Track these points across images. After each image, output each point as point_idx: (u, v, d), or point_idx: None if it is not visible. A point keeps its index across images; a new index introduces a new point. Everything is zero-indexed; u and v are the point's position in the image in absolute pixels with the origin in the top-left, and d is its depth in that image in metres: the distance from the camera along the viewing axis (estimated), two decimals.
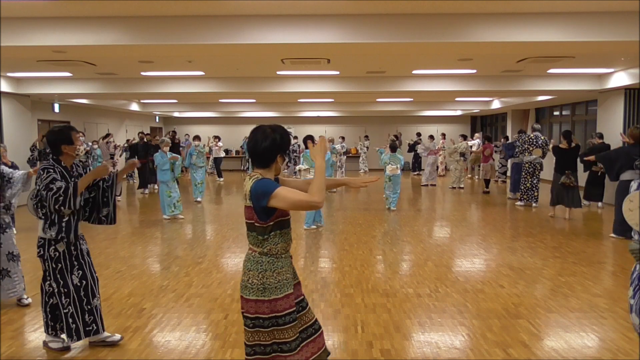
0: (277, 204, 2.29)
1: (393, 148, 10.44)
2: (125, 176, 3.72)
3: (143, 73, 10.38)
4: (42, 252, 3.47)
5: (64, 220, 3.43)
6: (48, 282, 3.49)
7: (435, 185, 15.38)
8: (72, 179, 3.49)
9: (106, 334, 3.74)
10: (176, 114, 21.56)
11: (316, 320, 2.60)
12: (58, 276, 3.47)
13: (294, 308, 2.45)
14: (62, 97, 12.80)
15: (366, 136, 20.67)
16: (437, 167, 19.51)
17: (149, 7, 5.64)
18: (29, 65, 9.20)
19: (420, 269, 5.79)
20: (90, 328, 3.59)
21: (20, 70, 10.08)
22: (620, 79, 10.31)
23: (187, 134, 20.00)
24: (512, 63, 9.22)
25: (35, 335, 3.96)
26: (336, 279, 5.40)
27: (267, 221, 2.37)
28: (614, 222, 7.58)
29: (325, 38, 6.05)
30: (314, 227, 8.37)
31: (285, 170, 18.74)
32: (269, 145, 2.39)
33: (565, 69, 9.94)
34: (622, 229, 7.28)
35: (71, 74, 10.49)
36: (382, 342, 3.77)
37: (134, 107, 17.44)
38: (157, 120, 22.50)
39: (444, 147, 17.53)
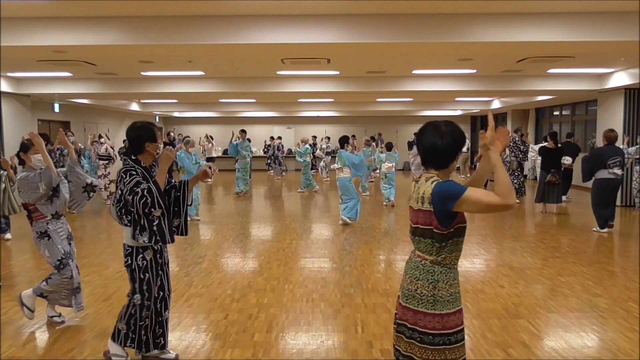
0: (466, 207, 2.07)
1: (389, 147, 11.43)
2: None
3: (143, 73, 10.38)
4: (129, 262, 3.21)
5: (155, 223, 3.15)
6: (137, 295, 3.23)
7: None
8: (153, 181, 3.23)
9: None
10: (176, 114, 21.56)
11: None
12: (144, 288, 3.22)
13: (463, 325, 2.24)
14: (62, 97, 12.80)
15: (353, 136, 20.68)
16: None
17: (149, 7, 5.64)
18: (29, 65, 9.20)
19: None
20: (159, 341, 3.40)
21: (20, 70, 10.09)
22: (620, 79, 10.31)
23: (180, 134, 19.95)
24: (512, 63, 9.22)
25: (36, 335, 3.96)
26: (336, 279, 5.40)
27: (449, 227, 2.15)
28: (595, 217, 7.97)
29: (325, 38, 6.04)
30: (349, 221, 8.56)
31: (271, 171, 18.81)
32: (451, 143, 2.16)
33: (565, 69, 9.94)
34: (603, 220, 7.85)
35: (71, 74, 10.49)
36: (382, 342, 3.77)
37: (134, 107, 17.44)
38: (157, 120, 22.49)
39: None
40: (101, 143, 11.66)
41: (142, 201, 3.03)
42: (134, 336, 3.30)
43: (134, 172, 3.13)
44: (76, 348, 3.69)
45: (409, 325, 2.20)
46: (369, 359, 3.50)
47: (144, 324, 3.29)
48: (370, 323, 4.14)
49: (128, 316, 3.27)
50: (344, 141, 8.94)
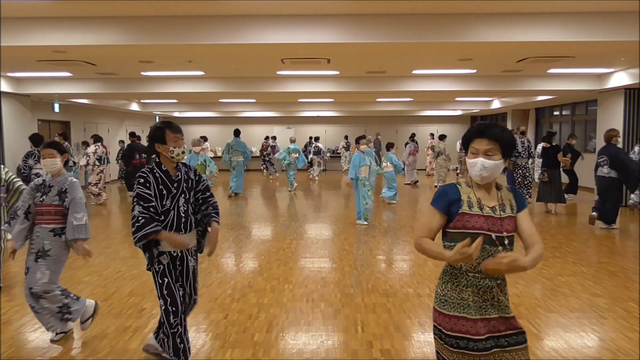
0: None
1: (388, 147, 11.69)
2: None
3: (143, 73, 10.37)
4: (148, 266, 3.17)
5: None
6: (160, 300, 3.14)
7: (417, 182, 15.79)
8: (174, 185, 3.15)
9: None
10: (176, 114, 21.55)
11: None
12: (165, 292, 3.11)
13: (484, 337, 2.12)
14: (62, 97, 12.80)
15: (346, 136, 20.69)
16: (426, 166, 19.64)
17: (149, 7, 5.63)
18: (29, 65, 9.20)
19: (420, 269, 5.79)
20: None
21: (20, 70, 10.08)
22: (620, 79, 10.31)
23: None
24: (512, 63, 9.22)
25: (36, 335, 3.96)
26: (336, 279, 5.40)
27: (445, 228, 2.17)
28: (601, 213, 8.11)
29: (325, 38, 6.04)
30: (365, 223, 8.63)
31: (269, 174, 18.82)
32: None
33: (565, 69, 9.93)
34: (607, 218, 8.08)
35: (71, 74, 10.48)
36: (382, 342, 3.77)
37: (134, 107, 17.45)
38: (157, 120, 22.50)
39: (432, 146, 17.45)
40: (87, 150, 11.83)
41: (132, 221, 3.00)
42: (170, 344, 3.19)
43: (142, 180, 3.05)
44: (76, 348, 3.69)
45: (434, 324, 2.28)
46: (369, 359, 3.50)
47: (177, 332, 3.12)
48: (370, 323, 4.14)
49: (160, 324, 3.21)
50: (356, 142, 9.14)
